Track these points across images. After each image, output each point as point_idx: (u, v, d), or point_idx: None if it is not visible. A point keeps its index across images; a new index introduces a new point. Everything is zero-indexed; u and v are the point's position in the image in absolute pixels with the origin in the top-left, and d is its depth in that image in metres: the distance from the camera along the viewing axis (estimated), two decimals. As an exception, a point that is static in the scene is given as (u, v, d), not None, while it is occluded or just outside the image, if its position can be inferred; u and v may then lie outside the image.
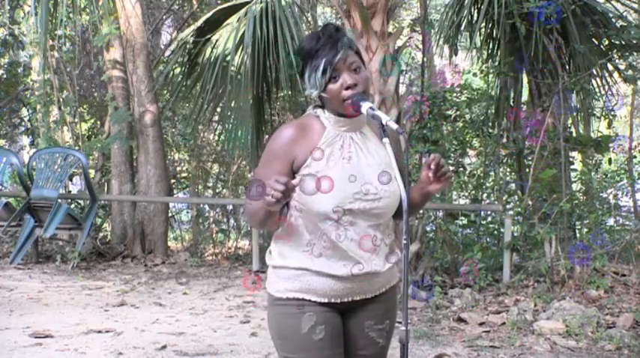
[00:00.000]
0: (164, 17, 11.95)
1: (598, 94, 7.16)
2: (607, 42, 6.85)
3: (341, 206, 1.88)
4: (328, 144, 1.93)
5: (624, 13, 7.26)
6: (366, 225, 1.93)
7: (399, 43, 7.03)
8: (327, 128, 1.96)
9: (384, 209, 1.94)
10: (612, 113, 7.43)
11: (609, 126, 7.71)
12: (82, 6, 9.63)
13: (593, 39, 6.97)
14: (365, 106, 1.87)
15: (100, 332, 4.78)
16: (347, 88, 1.89)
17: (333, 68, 1.88)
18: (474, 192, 7.71)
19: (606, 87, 7.02)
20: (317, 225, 1.91)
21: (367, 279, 1.97)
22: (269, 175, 1.87)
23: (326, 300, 1.96)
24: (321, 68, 1.87)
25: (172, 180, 10.24)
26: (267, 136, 7.69)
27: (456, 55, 8.01)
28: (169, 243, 9.42)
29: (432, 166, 1.92)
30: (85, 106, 10.64)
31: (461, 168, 7.76)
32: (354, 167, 1.92)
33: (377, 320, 2.04)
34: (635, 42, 6.49)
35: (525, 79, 7.55)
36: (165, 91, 9.88)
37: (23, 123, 11.65)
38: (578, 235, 7.11)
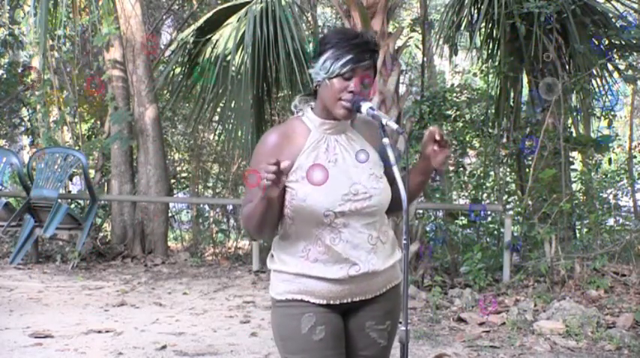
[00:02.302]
0: (164, 17, 11.94)
1: (598, 94, 7.17)
2: (607, 42, 6.85)
3: (332, 209, 1.89)
4: (313, 147, 1.95)
5: (624, 13, 7.26)
6: (359, 225, 1.93)
7: (399, 43, 7.03)
8: (311, 131, 1.97)
9: (376, 206, 1.95)
10: (612, 113, 7.43)
11: (609, 126, 7.71)
12: (82, 6, 9.62)
13: (593, 39, 6.97)
14: (365, 106, 1.89)
15: (100, 332, 4.78)
16: (350, 92, 1.89)
17: (352, 69, 1.88)
18: (473, 192, 7.70)
19: (606, 87, 7.02)
20: (311, 230, 1.92)
21: (366, 280, 1.97)
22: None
23: (325, 302, 1.96)
24: (343, 61, 1.87)
25: (172, 180, 10.24)
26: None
27: (455, 54, 8.02)
28: (169, 243, 9.42)
29: (437, 137, 1.90)
30: (85, 106, 10.63)
31: (461, 168, 7.75)
32: (341, 169, 1.93)
33: (378, 321, 2.04)
34: (635, 42, 6.49)
35: (525, 79, 7.55)
36: (165, 91, 9.87)
37: (23, 123, 11.65)
38: (578, 235, 7.11)
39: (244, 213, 1.96)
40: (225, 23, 7.53)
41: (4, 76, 10.95)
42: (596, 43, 6.98)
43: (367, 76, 1.91)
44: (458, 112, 7.73)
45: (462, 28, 7.04)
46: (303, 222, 1.92)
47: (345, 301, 1.98)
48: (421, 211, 7.03)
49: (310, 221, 1.91)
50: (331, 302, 1.97)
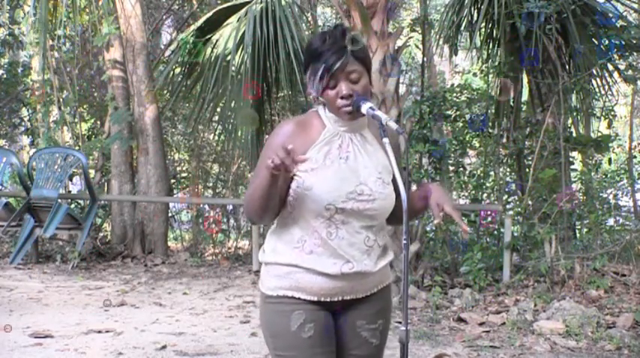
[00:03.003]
0: (164, 17, 11.95)
1: (598, 94, 7.17)
2: (607, 42, 6.85)
3: (334, 204, 1.89)
4: (327, 142, 1.95)
5: (624, 13, 7.26)
6: (358, 225, 1.94)
7: (399, 43, 7.03)
8: (327, 126, 1.97)
9: (378, 211, 1.95)
10: (612, 113, 7.43)
11: (609, 126, 7.71)
12: (82, 6, 9.62)
13: (593, 39, 6.97)
14: (365, 106, 1.89)
15: (100, 332, 4.78)
16: (342, 98, 1.89)
17: (332, 74, 1.88)
18: (473, 192, 7.70)
19: (606, 87, 7.02)
20: (309, 221, 1.92)
21: (358, 279, 1.97)
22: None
23: (316, 299, 1.96)
24: (319, 74, 1.88)
25: (172, 180, 10.24)
26: (266, 136, 7.69)
27: (455, 54, 8.02)
28: (169, 243, 9.42)
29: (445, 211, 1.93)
30: (85, 106, 10.64)
31: (461, 168, 7.76)
32: (351, 167, 1.94)
33: (369, 320, 2.04)
34: (635, 42, 6.49)
35: (525, 79, 7.55)
36: (165, 91, 9.88)
37: (23, 123, 11.65)
38: (578, 235, 7.11)
39: (247, 194, 1.96)
40: (225, 23, 7.53)
41: (4, 76, 10.95)
42: (597, 42, 6.99)
43: (351, 72, 1.90)
44: (458, 112, 7.73)
45: (462, 28, 7.04)
46: (303, 211, 1.92)
47: (335, 299, 1.98)
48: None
49: (310, 211, 1.90)
50: (322, 299, 1.97)
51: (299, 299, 1.96)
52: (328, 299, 1.97)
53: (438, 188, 1.97)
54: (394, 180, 1.98)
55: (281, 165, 1.73)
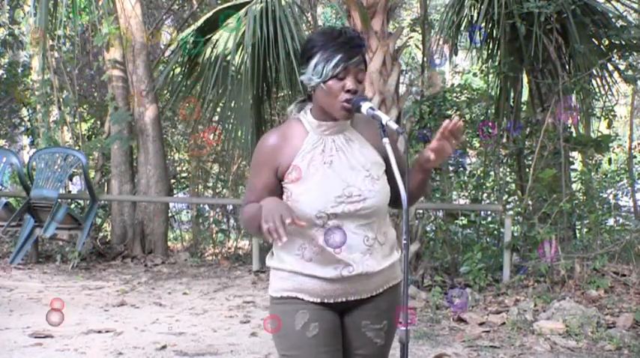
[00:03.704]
0: (164, 17, 11.94)
1: (598, 94, 7.16)
2: (607, 42, 6.85)
3: (324, 211, 1.90)
4: (309, 149, 1.95)
5: (624, 13, 7.26)
6: (354, 226, 1.93)
7: (399, 43, 7.04)
8: (309, 133, 1.97)
9: (371, 208, 1.94)
10: (612, 113, 7.43)
11: (609, 126, 7.71)
12: (82, 6, 9.62)
13: (593, 39, 6.97)
14: (365, 106, 1.89)
15: (100, 332, 4.79)
16: (347, 91, 1.90)
17: (345, 67, 1.88)
18: (473, 192, 7.70)
19: (606, 87, 7.02)
20: (305, 229, 1.92)
21: (360, 280, 1.97)
22: (257, 184, 1.96)
23: (319, 300, 1.97)
24: (334, 61, 1.87)
25: (172, 180, 10.24)
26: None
27: (456, 55, 8.01)
28: (169, 243, 9.42)
29: (450, 129, 1.88)
30: (84, 106, 10.64)
31: (461, 168, 7.76)
32: (336, 171, 1.93)
33: (374, 320, 2.04)
34: (635, 42, 6.49)
35: (525, 79, 7.55)
36: (165, 91, 9.87)
37: (23, 123, 11.65)
38: (578, 235, 7.11)
39: (244, 216, 1.97)
40: (225, 23, 7.53)
41: (4, 76, 10.95)
42: (597, 42, 6.98)
43: (360, 72, 1.92)
44: (458, 112, 7.72)
45: (462, 28, 7.03)
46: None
47: (339, 300, 1.99)
48: (421, 211, 7.03)
49: (304, 220, 1.90)
50: (325, 300, 1.98)
51: (302, 300, 1.97)
52: (332, 301, 1.98)
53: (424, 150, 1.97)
54: (388, 171, 1.96)
55: (274, 232, 1.74)
